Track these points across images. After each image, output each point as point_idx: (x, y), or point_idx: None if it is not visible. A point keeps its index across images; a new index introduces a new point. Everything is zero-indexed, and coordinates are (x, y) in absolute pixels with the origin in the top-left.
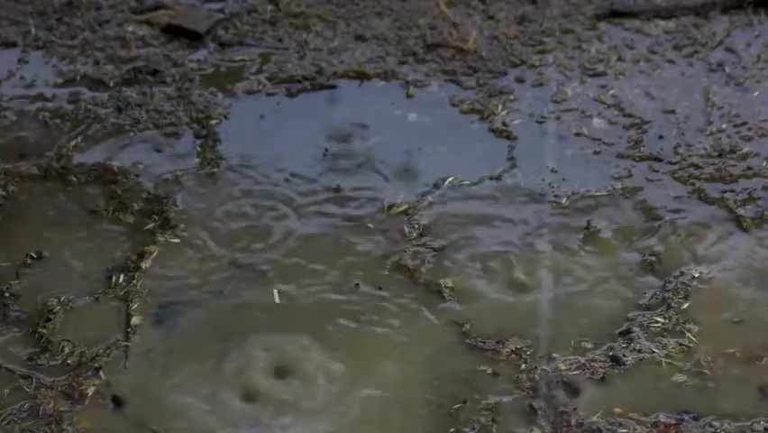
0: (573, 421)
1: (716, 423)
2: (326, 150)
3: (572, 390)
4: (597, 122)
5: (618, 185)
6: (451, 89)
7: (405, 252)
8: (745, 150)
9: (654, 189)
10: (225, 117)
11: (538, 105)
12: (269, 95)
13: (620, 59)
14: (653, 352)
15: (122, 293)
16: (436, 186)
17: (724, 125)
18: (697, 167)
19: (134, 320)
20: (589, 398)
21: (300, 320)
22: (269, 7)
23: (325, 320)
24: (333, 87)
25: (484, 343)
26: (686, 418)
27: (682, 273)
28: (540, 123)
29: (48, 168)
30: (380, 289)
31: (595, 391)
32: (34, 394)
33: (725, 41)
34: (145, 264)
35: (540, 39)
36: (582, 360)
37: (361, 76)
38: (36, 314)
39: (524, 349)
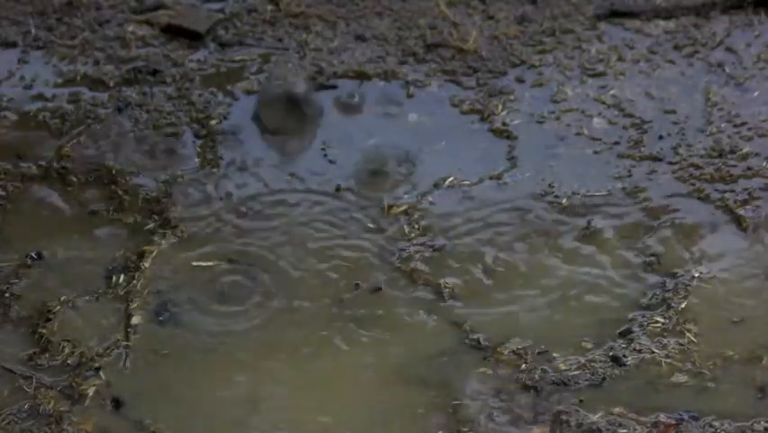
0: (573, 421)
1: (716, 423)
2: (324, 149)
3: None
4: (597, 122)
5: (618, 185)
6: (451, 89)
7: (405, 251)
8: (745, 150)
9: (654, 189)
10: (225, 117)
11: (538, 105)
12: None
13: (620, 59)
14: (653, 352)
15: (122, 293)
16: (436, 186)
17: (724, 125)
18: (697, 167)
19: (134, 320)
20: (590, 398)
21: (300, 320)
22: (269, 7)
23: (326, 320)
24: (334, 87)
25: (484, 343)
26: (686, 418)
27: (682, 273)
28: (540, 123)
29: (48, 168)
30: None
31: (595, 391)
32: (34, 394)
33: (725, 41)
34: (145, 264)
35: (540, 39)
36: (582, 360)
37: (361, 76)
38: (36, 314)
39: (524, 349)
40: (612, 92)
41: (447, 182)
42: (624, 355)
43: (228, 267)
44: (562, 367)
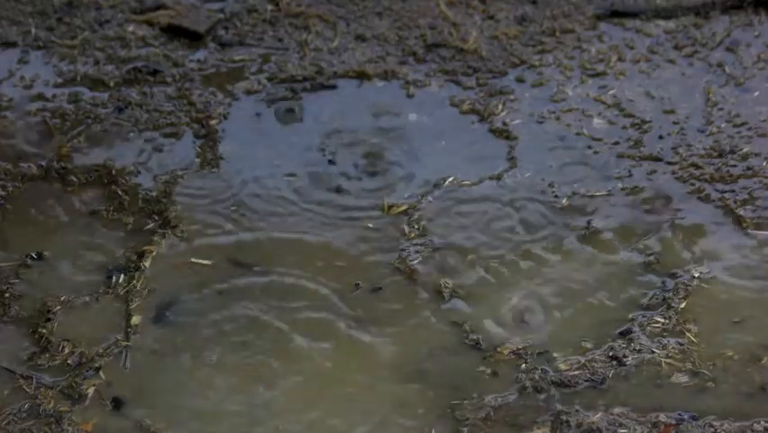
0: (573, 421)
1: (716, 423)
2: (324, 150)
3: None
4: (597, 122)
5: (618, 185)
6: (451, 89)
7: (405, 251)
8: (745, 150)
9: (654, 190)
10: (225, 117)
11: (538, 105)
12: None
13: (620, 59)
14: (654, 352)
15: (122, 293)
16: (436, 186)
17: (724, 125)
18: (697, 167)
19: (134, 320)
20: (590, 398)
21: (299, 320)
22: (269, 7)
23: (325, 320)
24: (334, 87)
25: (484, 343)
26: (686, 418)
27: (682, 273)
28: (540, 123)
29: (48, 168)
30: (380, 289)
31: (595, 391)
32: (34, 394)
33: (725, 41)
34: (145, 264)
35: (540, 39)
36: (582, 360)
37: (362, 76)
38: (36, 314)
39: (524, 349)
40: (612, 92)
41: (447, 182)
42: (624, 355)
43: (227, 266)
44: (562, 367)
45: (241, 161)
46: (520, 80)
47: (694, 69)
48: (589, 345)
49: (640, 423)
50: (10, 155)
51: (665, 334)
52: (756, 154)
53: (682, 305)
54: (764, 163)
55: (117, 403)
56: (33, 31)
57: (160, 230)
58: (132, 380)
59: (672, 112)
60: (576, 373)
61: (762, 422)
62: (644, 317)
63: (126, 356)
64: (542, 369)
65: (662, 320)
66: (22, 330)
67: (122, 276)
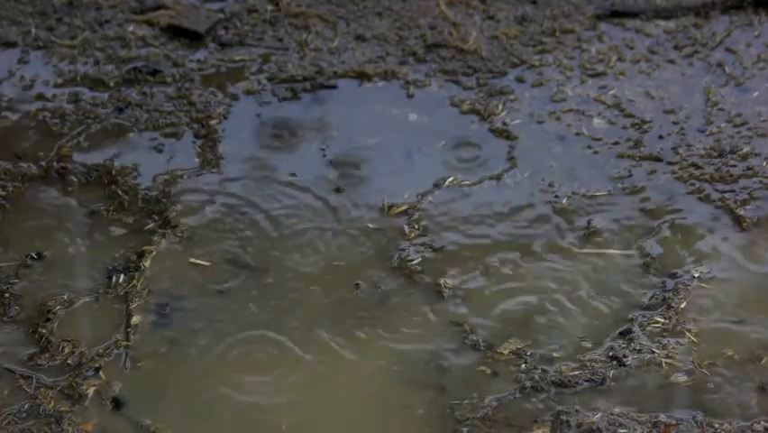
0: (573, 421)
1: (716, 423)
2: (324, 150)
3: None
4: (597, 122)
5: (618, 185)
6: (451, 89)
7: (405, 251)
8: (745, 150)
9: (654, 189)
10: (225, 117)
11: (538, 105)
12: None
13: (620, 59)
14: (654, 352)
15: (122, 293)
16: (436, 186)
17: (724, 125)
18: (697, 167)
19: (134, 320)
20: (590, 398)
21: (300, 320)
22: (269, 7)
23: (325, 320)
24: (334, 87)
25: (484, 343)
26: (686, 418)
27: (682, 273)
28: (540, 123)
29: (48, 168)
30: (380, 288)
31: (595, 391)
32: (34, 394)
33: (725, 41)
34: (145, 264)
35: (540, 39)
36: (582, 360)
37: (362, 76)
38: (36, 314)
39: (524, 349)
40: (612, 92)
41: (447, 182)
42: (624, 355)
43: (227, 267)
44: (563, 367)
45: (240, 160)
46: (520, 80)
47: (694, 69)
48: (588, 345)
49: (640, 423)
50: (10, 155)
51: (665, 334)
52: (756, 154)
53: (682, 305)
54: (764, 163)
55: (117, 403)
56: (33, 31)
57: (159, 230)
58: (132, 380)
59: (671, 112)
60: (576, 373)
61: (762, 422)
62: (644, 317)
63: (126, 356)
64: (542, 369)
65: (662, 320)
66: (22, 330)
67: (122, 276)
